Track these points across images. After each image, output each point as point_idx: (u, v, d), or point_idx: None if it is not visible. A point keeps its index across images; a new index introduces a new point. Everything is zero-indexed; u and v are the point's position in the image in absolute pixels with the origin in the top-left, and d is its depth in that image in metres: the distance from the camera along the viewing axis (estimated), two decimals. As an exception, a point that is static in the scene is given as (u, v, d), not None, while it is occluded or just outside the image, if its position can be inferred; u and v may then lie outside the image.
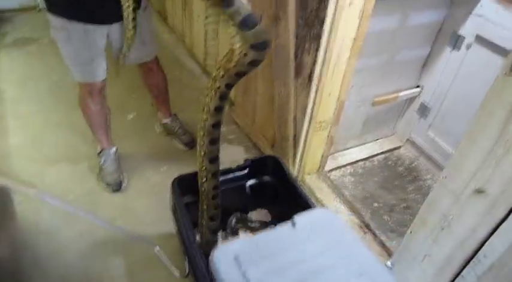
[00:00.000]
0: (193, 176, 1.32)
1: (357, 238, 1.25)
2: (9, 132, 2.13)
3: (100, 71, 1.64)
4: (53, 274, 1.52)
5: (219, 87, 1.12)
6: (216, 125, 1.21)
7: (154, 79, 1.95)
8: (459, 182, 1.08)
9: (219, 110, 1.17)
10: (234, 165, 1.59)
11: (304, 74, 1.58)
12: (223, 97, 1.14)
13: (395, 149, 2.22)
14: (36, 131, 2.14)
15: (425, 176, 2.07)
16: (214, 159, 1.29)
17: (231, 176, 1.53)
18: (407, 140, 2.21)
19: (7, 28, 3.01)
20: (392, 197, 1.94)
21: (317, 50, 1.47)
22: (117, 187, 1.85)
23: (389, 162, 2.15)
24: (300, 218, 1.26)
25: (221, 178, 1.50)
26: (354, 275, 1.11)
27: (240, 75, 1.08)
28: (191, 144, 2.12)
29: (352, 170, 2.08)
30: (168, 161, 2.04)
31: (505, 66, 0.92)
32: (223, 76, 1.09)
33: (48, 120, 2.22)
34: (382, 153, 2.18)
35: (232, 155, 2.11)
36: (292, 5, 1.50)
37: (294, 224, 1.24)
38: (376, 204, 1.88)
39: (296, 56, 1.59)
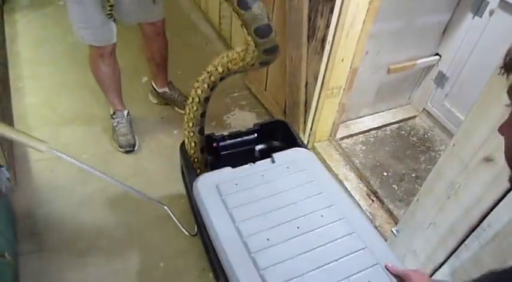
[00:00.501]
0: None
1: (329, 176, 1.34)
2: (26, 93, 2.17)
3: (112, 34, 1.63)
4: (67, 231, 1.58)
5: (214, 81, 1.17)
6: (204, 114, 1.30)
7: (161, 44, 1.91)
8: (468, 149, 1.06)
9: (208, 100, 1.25)
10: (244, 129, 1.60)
11: (317, 38, 1.55)
12: (214, 88, 1.20)
13: (409, 118, 2.18)
14: (52, 92, 2.18)
15: (438, 147, 2.04)
16: (203, 150, 1.40)
17: (239, 139, 1.54)
18: (423, 109, 2.17)
19: (23, -11, 3.01)
20: (403, 166, 1.92)
21: (331, 12, 1.43)
22: (130, 148, 1.88)
23: (403, 132, 2.11)
24: (279, 156, 1.35)
25: (230, 141, 1.52)
26: (324, 206, 1.19)
27: (241, 72, 1.12)
28: None
29: (364, 139, 2.07)
30: (180, 124, 2.05)
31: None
32: (222, 72, 1.12)
33: (63, 81, 2.25)
34: (395, 122, 2.15)
35: (243, 121, 2.11)
36: (307, -35, 1.45)
37: (273, 161, 1.33)
38: (385, 173, 1.88)
39: (309, 19, 1.55)
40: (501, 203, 1.01)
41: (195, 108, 1.27)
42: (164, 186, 1.76)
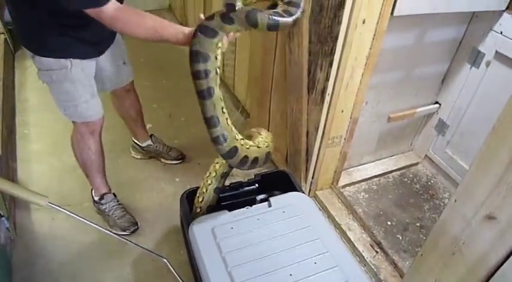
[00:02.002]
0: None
1: (326, 221, 1.37)
2: (32, 139, 2.20)
3: (100, 106, 1.53)
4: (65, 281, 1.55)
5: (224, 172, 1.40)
6: (226, 174, 1.43)
7: (132, 100, 1.83)
8: (470, 206, 1.05)
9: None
10: (245, 179, 1.60)
11: (317, 90, 1.58)
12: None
13: (412, 165, 2.18)
14: (57, 139, 2.21)
15: (442, 195, 2.02)
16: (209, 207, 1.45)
17: (241, 190, 1.54)
18: (425, 156, 2.17)
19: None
20: (407, 215, 1.89)
21: (330, 66, 1.46)
22: (134, 227, 1.73)
23: (406, 179, 2.10)
24: (276, 200, 1.39)
25: (232, 192, 1.53)
26: (318, 252, 1.22)
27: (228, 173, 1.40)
28: (180, 157, 2.09)
29: (366, 186, 2.05)
30: (171, 174, 2.05)
31: (517, 91, 0.89)
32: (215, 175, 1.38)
33: (67, 128, 2.27)
34: (398, 169, 2.14)
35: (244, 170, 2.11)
36: (306, 21, 1.50)
37: (269, 205, 1.37)
38: (389, 223, 1.85)
39: (309, 72, 1.59)
40: (507, 262, 0.98)
41: (218, 167, 1.38)
42: (164, 237, 1.73)
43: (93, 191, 1.78)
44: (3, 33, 2.81)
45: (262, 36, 1.89)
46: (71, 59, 1.33)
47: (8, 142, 2.02)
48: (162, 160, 2.10)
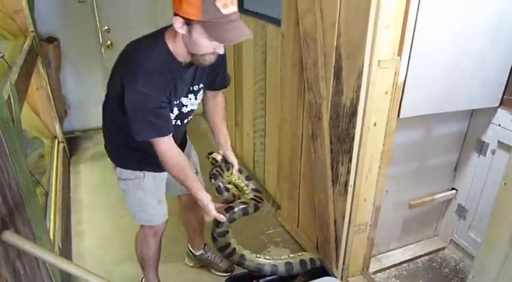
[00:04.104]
0: (245, 276, 1.51)
1: None
2: (85, 236, 2.44)
3: (165, 211, 1.74)
4: None
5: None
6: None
7: (198, 211, 1.95)
8: (485, 281, 1.18)
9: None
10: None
11: (341, 182, 1.80)
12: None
13: (439, 250, 2.26)
14: (106, 235, 2.44)
15: (473, 279, 2.07)
16: None
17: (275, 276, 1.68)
18: (451, 240, 2.26)
19: (88, 144, 3.57)
20: (440, 300, 1.94)
21: (350, 161, 1.70)
22: None
23: (434, 264, 2.18)
24: None
25: (270, 278, 1.66)
26: None
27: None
28: (230, 269, 2.15)
29: (396, 272, 2.13)
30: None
31: (504, 177, 1.09)
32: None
33: (116, 225, 2.53)
34: (425, 254, 2.23)
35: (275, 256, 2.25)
36: (326, 125, 1.79)
37: None
38: (422, 308, 1.90)
39: (332, 167, 1.82)
40: None
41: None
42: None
43: (143, 280, 1.96)
44: (62, 142, 3.24)
45: (288, 135, 2.19)
46: (145, 172, 1.61)
47: (65, 239, 2.26)
48: (212, 270, 2.19)
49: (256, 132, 2.81)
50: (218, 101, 1.75)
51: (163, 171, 1.66)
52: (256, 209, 1.67)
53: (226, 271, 2.15)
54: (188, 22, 1.26)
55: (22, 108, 2.06)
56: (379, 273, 2.12)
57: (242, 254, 1.81)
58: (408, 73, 1.59)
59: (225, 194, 1.67)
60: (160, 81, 1.36)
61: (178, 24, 1.28)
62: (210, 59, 1.38)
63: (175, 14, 1.28)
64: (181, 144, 1.69)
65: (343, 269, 2.00)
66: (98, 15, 3.43)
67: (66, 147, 3.30)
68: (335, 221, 1.91)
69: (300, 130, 2.06)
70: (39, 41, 2.98)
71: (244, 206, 1.64)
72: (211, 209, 1.54)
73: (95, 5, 3.39)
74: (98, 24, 3.46)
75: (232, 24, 1.26)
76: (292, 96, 2.08)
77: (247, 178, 1.80)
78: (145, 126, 1.38)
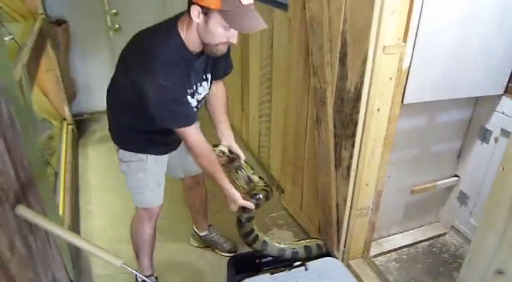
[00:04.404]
0: (248, 255, 1.56)
1: None
2: (94, 215, 2.51)
3: (161, 195, 1.76)
4: None
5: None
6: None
7: (200, 192, 2.07)
8: (481, 263, 1.21)
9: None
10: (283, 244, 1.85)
11: (343, 166, 1.83)
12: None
13: (440, 235, 2.30)
14: (115, 215, 2.50)
15: (472, 264, 2.11)
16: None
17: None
18: (452, 227, 2.29)
19: (96, 126, 3.63)
20: (438, 283, 1.99)
21: (352, 146, 1.73)
22: None
23: (434, 249, 2.21)
24: (312, 264, 1.57)
25: (270, 259, 1.72)
26: None
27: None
28: (234, 250, 2.21)
29: (397, 256, 2.18)
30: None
31: (502, 162, 1.11)
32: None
33: (125, 205, 2.58)
34: (426, 240, 2.26)
35: (281, 239, 2.29)
36: (331, 110, 1.81)
37: (306, 269, 1.56)
38: (421, 290, 1.94)
39: (335, 151, 1.85)
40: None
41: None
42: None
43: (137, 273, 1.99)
44: (71, 124, 3.30)
45: (293, 120, 2.22)
46: (147, 154, 1.64)
47: (74, 217, 2.33)
48: (216, 251, 2.25)
49: (262, 117, 2.84)
50: (220, 88, 1.75)
51: (165, 153, 1.71)
52: (267, 198, 1.71)
53: (229, 251, 2.21)
54: (206, 11, 1.28)
55: (32, 89, 2.11)
56: (379, 257, 2.16)
57: (264, 240, 1.82)
58: (413, 59, 1.60)
59: (251, 184, 1.72)
60: (178, 72, 1.39)
61: (195, 13, 1.29)
62: (222, 49, 1.39)
63: (193, 3, 1.29)
64: None
65: (343, 252, 2.04)
66: (106, -2, 3.45)
67: (75, 129, 3.35)
68: (337, 205, 1.95)
69: (305, 115, 2.08)
70: (48, 24, 3.01)
71: (265, 192, 1.69)
72: (239, 197, 1.58)
73: (103, -12, 3.41)
74: (107, 7, 3.48)
75: (250, 14, 1.28)
76: (298, 81, 2.10)
77: (251, 168, 1.84)
78: (171, 117, 1.41)
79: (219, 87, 1.75)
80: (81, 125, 3.63)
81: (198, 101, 1.58)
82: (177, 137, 1.49)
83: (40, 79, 2.99)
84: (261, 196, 1.66)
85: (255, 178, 1.79)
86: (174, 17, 1.44)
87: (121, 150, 1.65)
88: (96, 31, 3.56)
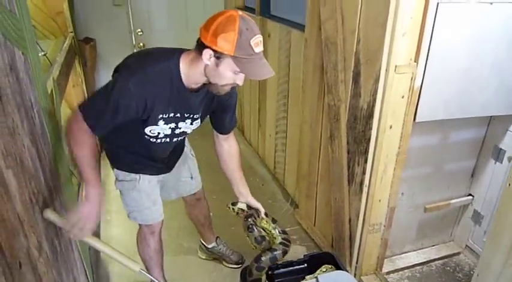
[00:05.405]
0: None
1: None
2: (112, 225, 2.59)
3: (160, 212, 1.79)
4: None
5: None
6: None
7: (202, 207, 2.10)
8: (489, 279, 1.23)
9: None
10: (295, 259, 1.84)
11: (356, 182, 1.86)
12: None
13: (454, 255, 2.29)
14: (133, 226, 2.56)
15: (487, 284, 2.09)
16: None
17: (291, 268, 1.76)
18: (466, 246, 2.28)
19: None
20: (451, 302, 1.98)
21: (365, 162, 1.77)
22: None
23: (448, 268, 2.20)
24: (324, 277, 1.57)
25: (283, 270, 1.75)
26: None
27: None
28: (241, 261, 2.24)
29: (409, 274, 2.17)
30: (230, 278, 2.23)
31: (509, 178, 1.15)
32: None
33: (142, 216, 2.67)
34: (440, 258, 2.26)
35: (294, 254, 2.31)
36: (344, 127, 1.86)
37: (317, 281, 1.56)
38: (433, 309, 1.93)
39: (348, 167, 1.90)
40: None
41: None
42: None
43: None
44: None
45: (308, 136, 2.28)
46: (140, 174, 1.67)
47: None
48: (224, 263, 2.28)
49: (278, 133, 2.91)
50: (232, 146, 1.80)
51: (158, 174, 1.76)
52: (285, 253, 1.69)
53: (237, 263, 2.25)
54: (219, 56, 1.31)
55: (62, 103, 2.23)
56: (392, 274, 2.16)
57: None
58: (425, 78, 1.65)
59: (263, 243, 1.72)
60: (152, 91, 1.37)
61: (207, 56, 1.32)
62: (227, 89, 1.43)
63: (205, 46, 1.30)
64: (171, 157, 1.75)
65: (356, 267, 2.06)
66: (132, 19, 3.62)
67: (98, 142, 3.48)
68: (350, 220, 1.98)
69: (319, 131, 2.14)
70: (77, 42, 3.18)
71: (283, 247, 1.69)
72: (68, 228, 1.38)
73: (129, 9, 3.58)
74: (132, 27, 3.65)
75: (261, 62, 1.35)
76: (313, 98, 2.16)
77: (273, 221, 1.82)
78: (94, 110, 1.38)
79: (231, 145, 1.79)
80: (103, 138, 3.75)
81: (175, 134, 1.56)
82: (167, 160, 1.55)
83: (67, 94, 3.14)
84: (263, 259, 1.66)
85: (275, 232, 1.77)
86: (181, 49, 1.46)
87: (115, 170, 1.70)
88: (122, 49, 3.71)
